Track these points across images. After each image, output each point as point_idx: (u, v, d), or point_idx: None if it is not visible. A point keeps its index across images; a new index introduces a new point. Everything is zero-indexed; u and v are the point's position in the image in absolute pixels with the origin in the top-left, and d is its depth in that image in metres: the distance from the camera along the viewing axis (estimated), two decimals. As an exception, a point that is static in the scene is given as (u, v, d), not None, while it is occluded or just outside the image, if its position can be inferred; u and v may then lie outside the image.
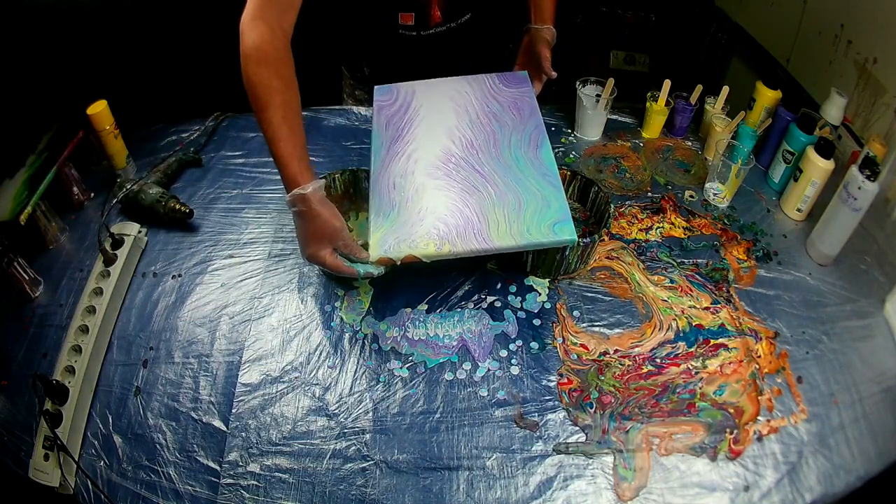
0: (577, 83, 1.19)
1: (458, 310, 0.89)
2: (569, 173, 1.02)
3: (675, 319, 0.88)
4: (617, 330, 0.87)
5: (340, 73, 1.31)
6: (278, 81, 0.80)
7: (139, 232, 0.99)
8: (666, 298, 0.91)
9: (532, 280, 0.93)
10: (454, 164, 0.91)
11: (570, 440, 0.76)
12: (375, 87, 1.06)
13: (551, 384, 0.81)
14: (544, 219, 0.82)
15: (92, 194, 1.10)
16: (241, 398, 0.80)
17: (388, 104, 1.02)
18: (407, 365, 0.83)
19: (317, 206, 0.79)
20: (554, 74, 1.08)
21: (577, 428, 0.77)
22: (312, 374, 0.83)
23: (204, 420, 0.79)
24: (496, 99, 1.01)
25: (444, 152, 0.92)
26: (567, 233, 0.81)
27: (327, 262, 0.81)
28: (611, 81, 1.15)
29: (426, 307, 0.90)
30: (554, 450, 0.75)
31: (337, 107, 1.30)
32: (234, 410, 0.79)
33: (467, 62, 1.20)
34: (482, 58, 1.24)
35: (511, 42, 1.27)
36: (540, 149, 0.92)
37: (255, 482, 0.73)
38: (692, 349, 0.84)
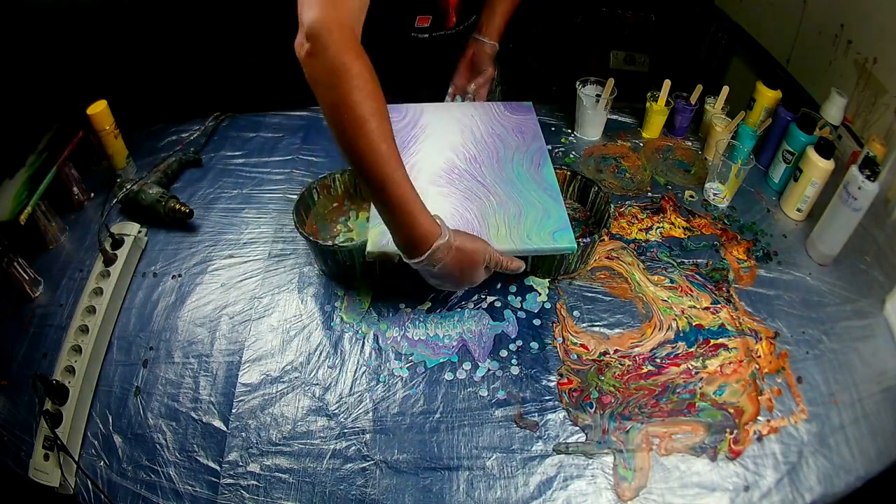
0: (577, 83, 1.19)
1: (458, 310, 0.89)
2: (569, 173, 1.02)
3: (675, 319, 0.88)
4: (617, 330, 0.87)
5: None
6: (385, 111, 0.67)
7: (139, 232, 0.99)
8: (666, 298, 0.91)
9: (532, 280, 0.93)
10: (457, 175, 0.93)
11: (570, 440, 0.76)
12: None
13: (551, 384, 0.81)
14: (544, 227, 0.85)
15: (92, 194, 1.10)
16: (241, 398, 0.80)
17: (396, 120, 1.04)
18: (407, 365, 0.83)
19: (460, 242, 0.72)
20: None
21: (577, 428, 0.77)
22: (312, 374, 0.83)
23: (204, 420, 0.79)
24: (501, 123, 1.04)
25: (448, 164, 0.95)
26: (567, 241, 0.83)
27: (504, 263, 0.78)
28: (611, 81, 1.15)
29: (426, 307, 0.90)
30: (554, 450, 0.75)
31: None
32: (234, 410, 0.79)
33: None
34: None
35: (511, 43, 1.27)
36: (542, 167, 0.95)
37: (255, 482, 0.73)
38: (692, 349, 0.84)
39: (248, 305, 0.91)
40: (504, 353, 0.84)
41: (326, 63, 0.64)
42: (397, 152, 0.66)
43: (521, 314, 0.89)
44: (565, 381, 0.81)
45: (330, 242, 0.91)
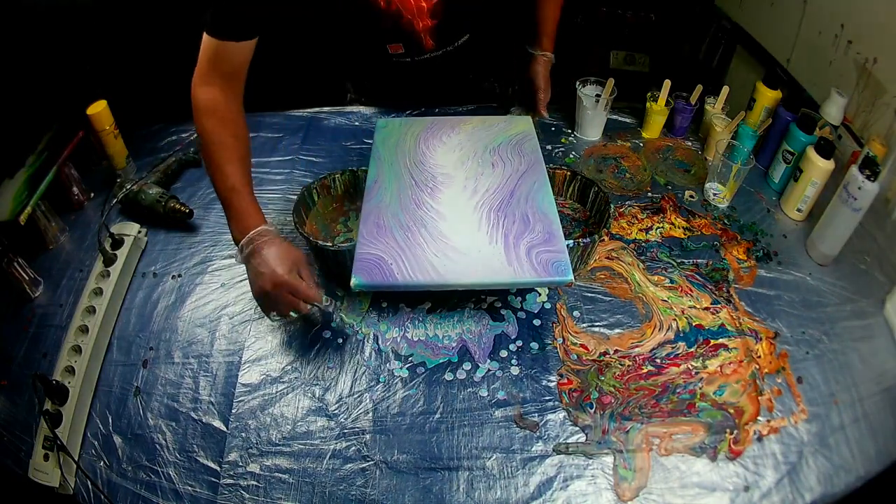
0: (577, 83, 1.19)
1: (458, 310, 0.89)
2: (569, 173, 1.02)
3: (675, 319, 0.88)
4: (617, 330, 0.87)
5: (343, 82, 1.31)
6: (233, 140, 0.83)
7: (139, 232, 0.99)
8: (666, 298, 0.91)
9: (532, 280, 0.93)
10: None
11: (570, 440, 0.76)
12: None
13: (551, 384, 0.81)
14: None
15: (92, 194, 1.10)
16: (241, 398, 0.80)
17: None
18: (407, 365, 0.83)
19: (279, 237, 0.80)
20: (545, 116, 1.17)
21: (577, 428, 0.77)
22: (312, 375, 0.83)
23: (204, 420, 0.79)
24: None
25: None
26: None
27: (300, 287, 0.77)
28: (611, 81, 1.15)
29: (426, 307, 0.90)
30: (554, 450, 0.75)
31: (337, 107, 1.30)
32: (234, 410, 0.79)
33: (468, 75, 1.19)
34: (484, 72, 1.23)
35: (514, 56, 1.23)
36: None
37: (255, 482, 0.73)
38: (692, 349, 0.84)
39: (248, 305, 0.91)
40: (504, 354, 0.84)
41: (195, 106, 0.83)
42: (240, 169, 0.82)
43: (521, 314, 0.89)
44: (565, 381, 0.81)
45: (330, 242, 0.91)
